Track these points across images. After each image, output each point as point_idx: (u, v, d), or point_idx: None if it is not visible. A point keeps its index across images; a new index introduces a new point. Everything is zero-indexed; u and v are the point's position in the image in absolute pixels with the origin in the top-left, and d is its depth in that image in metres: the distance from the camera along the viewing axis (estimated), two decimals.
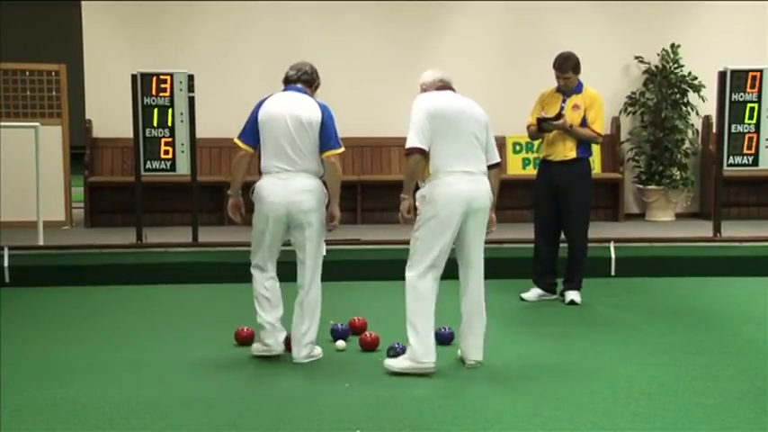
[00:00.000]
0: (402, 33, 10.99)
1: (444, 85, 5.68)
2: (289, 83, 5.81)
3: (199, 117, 9.08)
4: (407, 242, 5.66)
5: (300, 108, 5.66)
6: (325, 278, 6.99)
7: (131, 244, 9.16)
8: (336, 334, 6.25)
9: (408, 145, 5.47)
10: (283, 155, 5.62)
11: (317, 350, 5.88)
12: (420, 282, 5.43)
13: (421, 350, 5.40)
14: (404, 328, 5.55)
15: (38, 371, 5.61)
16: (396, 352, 5.71)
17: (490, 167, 5.65)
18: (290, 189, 5.61)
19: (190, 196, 9.46)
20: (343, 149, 5.73)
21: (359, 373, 5.60)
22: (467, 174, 5.45)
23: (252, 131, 5.74)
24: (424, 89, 5.66)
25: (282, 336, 5.86)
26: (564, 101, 7.34)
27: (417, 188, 5.61)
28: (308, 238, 5.67)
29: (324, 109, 5.70)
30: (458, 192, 5.41)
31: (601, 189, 10.74)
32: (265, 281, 5.81)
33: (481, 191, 5.51)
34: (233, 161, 5.88)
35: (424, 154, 5.44)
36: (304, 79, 5.82)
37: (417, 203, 5.52)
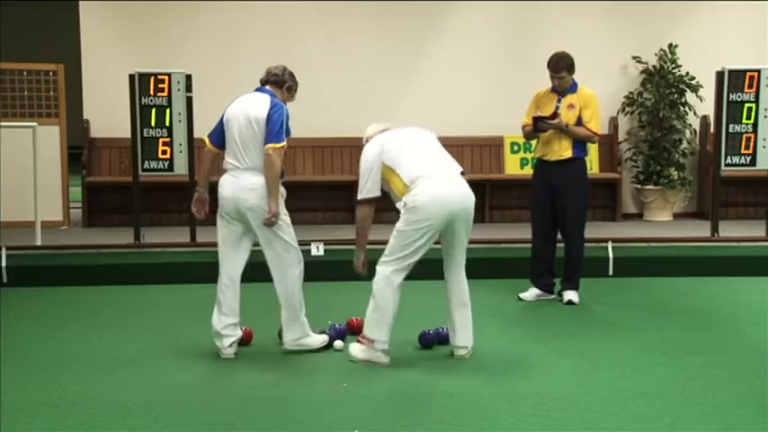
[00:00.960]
0: (401, 34, 10.99)
1: (385, 129, 5.87)
2: (261, 84, 5.97)
3: (197, 117, 9.06)
4: None
5: (252, 107, 5.78)
6: (322, 278, 6.96)
7: (129, 244, 9.16)
8: (335, 334, 6.22)
9: (359, 196, 5.65)
10: (236, 152, 5.76)
11: (309, 339, 5.93)
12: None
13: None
14: (405, 327, 5.63)
15: (36, 371, 5.60)
16: (429, 338, 5.93)
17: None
18: (239, 186, 5.73)
19: (188, 196, 9.34)
20: (283, 144, 5.72)
21: (357, 372, 5.59)
22: (444, 175, 5.58)
23: (218, 131, 5.92)
24: (369, 140, 5.83)
25: (228, 341, 5.90)
26: (559, 100, 7.34)
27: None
28: (260, 236, 5.76)
29: (273, 105, 5.75)
30: (439, 197, 5.50)
31: (598, 189, 10.73)
32: (221, 283, 5.90)
33: (463, 192, 5.61)
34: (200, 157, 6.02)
35: (374, 203, 5.66)
36: (272, 81, 5.93)
37: (401, 211, 5.59)
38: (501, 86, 10.74)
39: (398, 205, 5.60)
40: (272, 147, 5.66)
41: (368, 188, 5.63)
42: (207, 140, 5.99)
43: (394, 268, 5.57)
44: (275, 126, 5.68)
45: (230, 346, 5.85)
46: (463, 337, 5.75)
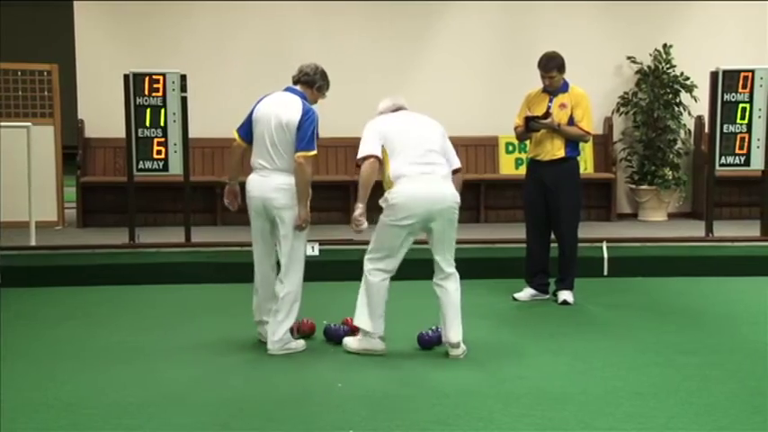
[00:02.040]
0: (395, 33, 10.99)
1: (398, 108, 5.97)
2: (292, 83, 6.04)
3: (191, 117, 9.06)
4: None
5: (284, 109, 5.84)
6: (319, 278, 6.95)
7: (124, 244, 9.14)
8: (331, 334, 6.22)
9: (359, 155, 5.76)
10: (265, 153, 5.85)
11: (294, 344, 5.98)
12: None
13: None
14: (401, 325, 5.74)
15: (31, 371, 5.59)
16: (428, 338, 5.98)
17: (453, 172, 5.91)
18: (266, 186, 5.84)
19: (182, 196, 9.43)
20: (314, 152, 5.82)
21: (352, 372, 5.59)
22: (426, 176, 5.68)
23: (247, 127, 5.98)
24: (381, 114, 5.97)
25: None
26: (551, 100, 7.34)
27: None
28: (282, 236, 5.85)
29: (305, 111, 5.83)
30: (417, 196, 5.65)
31: (593, 189, 10.76)
32: (257, 272, 5.99)
33: (443, 192, 5.71)
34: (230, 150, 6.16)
35: (377, 159, 5.72)
36: (303, 80, 5.99)
37: (383, 206, 5.73)
38: (496, 86, 10.73)
39: (381, 201, 5.74)
40: (304, 155, 5.77)
41: (368, 148, 5.74)
42: (237, 135, 6.06)
43: (373, 267, 5.75)
44: (306, 134, 5.78)
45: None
46: (452, 333, 5.80)
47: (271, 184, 5.83)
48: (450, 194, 5.75)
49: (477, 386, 5.26)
